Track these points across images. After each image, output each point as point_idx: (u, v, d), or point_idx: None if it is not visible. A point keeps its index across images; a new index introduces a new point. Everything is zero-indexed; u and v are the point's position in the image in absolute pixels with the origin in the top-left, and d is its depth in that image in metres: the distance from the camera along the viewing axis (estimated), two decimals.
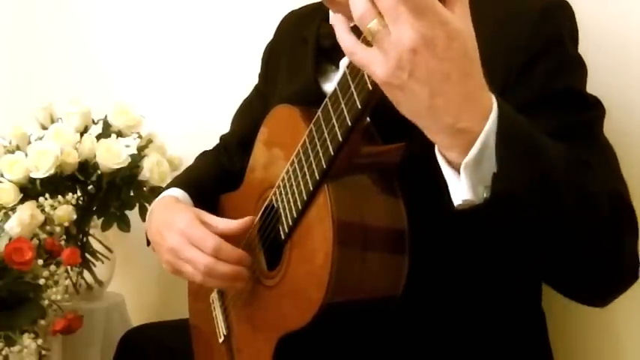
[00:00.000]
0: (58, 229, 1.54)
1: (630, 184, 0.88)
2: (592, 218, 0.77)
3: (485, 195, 0.71)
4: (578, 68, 0.95)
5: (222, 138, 1.36)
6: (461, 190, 0.71)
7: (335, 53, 1.06)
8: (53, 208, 1.52)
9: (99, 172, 1.60)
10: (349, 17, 0.70)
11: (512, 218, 0.73)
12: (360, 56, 0.69)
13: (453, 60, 0.67)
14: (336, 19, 0.72)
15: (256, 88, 1.32)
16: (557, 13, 0.93)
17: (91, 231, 1.70)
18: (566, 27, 0.94)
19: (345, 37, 0.70)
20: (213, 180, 1.26)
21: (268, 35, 1.30)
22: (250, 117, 1.27)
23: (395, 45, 0.66)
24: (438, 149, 0.73)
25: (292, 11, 1.29)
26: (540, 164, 0.73)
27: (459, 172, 0.71)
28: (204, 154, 1.36)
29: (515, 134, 0.71)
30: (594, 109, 0.93)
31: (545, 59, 0.90)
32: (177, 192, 1.19)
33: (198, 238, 1.01)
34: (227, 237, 1.02)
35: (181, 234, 1.03)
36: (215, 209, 1.20)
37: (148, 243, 1.17)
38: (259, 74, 1.31)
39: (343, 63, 1.04)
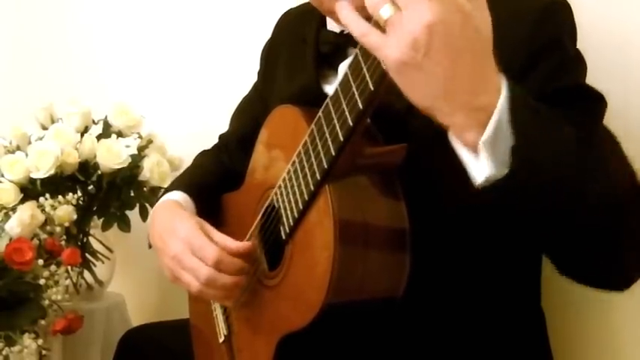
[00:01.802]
0: (58, 229, 1.53)
1: None
2: (608, 194, 0.76)
3: (506, 171, 0.70)
4: (579, 65, 0.94)
5: (222, 137, 1.36)
6: (482, 168, 0.71)
7: (334, 58, 1.06)
8: (53, 208, 1.52)
9: (99, 172, 1.60)
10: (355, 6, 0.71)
11: (537, 189, 0.72)
12: (374, 39, 0.70)
13: (468, 39, 0.68)
14: (341, 6, 0.73)
15: (255, 86, 1.32)
16: (557, 13, 0.93)
17: (91, 231, 1.69)
18: (566, 26, 0.94)
19: (355, 21, 0.71)
20: (215, 179, 1.26)
21: (268, 34, 1.30)
22: (250, 115, 1.27)
23: (410, 26, 0.67)
24: (453, 132, 0.73)
25: (290, 9, 1.29)
26: (556, 134, 0.73)
27: (476, 153, 0.71)
28: (204, 153, 1.36)
29: (526, 108, 0.71)
30: (598, 100, 0.92)
31: (546, 59, 0.90)
32: (178, 196, 1.19)
33: (200, 248, 1.02)
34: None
35: (184, 242, 1.03)
36: (217, 209, 1.20)
37: (150, 245, 1.17)
38: (258, 72, 1.31)
39: (342, 68, 1.04)
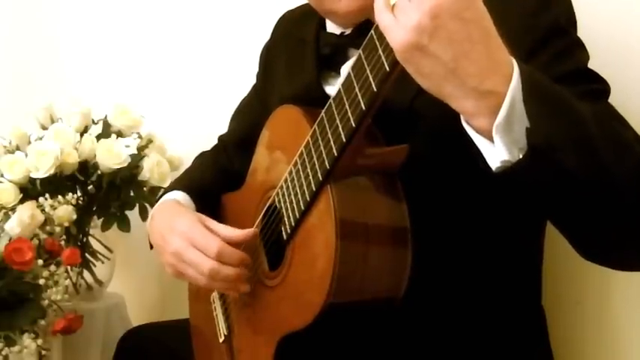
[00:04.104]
0: (58, 229, 1.53)
1: None
2: (632, 166, 0.75)
3: (521, 156, 0.69)
4: (581, 50, 0.93)
5: (221, 138, 1.36)
6: (497, 152, 0.70)
7: (334, 60, 1.06)
8: (53, 208, 1.52)
9: (99, 172, 1.60)
10: None
11: (554, 172, 0.71)
12: (386, 20, 0.70)
13: (473, 21, 0.67)
14: None
15: (254, 88, 1.32)
16: (553, 2, 0.92)
17: (91, 231, 1.69)
18: (562, 14, 0.93)
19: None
20: (213, 180, 1.26)
21: (267, 36, 1.30)
22: (249, 117, 1.27)
23: (415, 10, 0.67)
24: (466, 118, 0.72)
25: (288, 11, 1.29)
26: (571, 114, 0.72)
27: (489, 140, 0.70)
28: (202, 155, 1.36)
29: (539, 88, 0.70)
30: (604, 83, 0.91)
31: (547, 47, 0.89)
32: (178, 194, 1.19)
33: (202, 241, 1.02)
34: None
35: (184, 237, 1.03)
36: (217, 210, 1.20)
37: (151, 247, 1.17)
38: (257, 74, 1.31)
39: (345, 69, 1.04)
